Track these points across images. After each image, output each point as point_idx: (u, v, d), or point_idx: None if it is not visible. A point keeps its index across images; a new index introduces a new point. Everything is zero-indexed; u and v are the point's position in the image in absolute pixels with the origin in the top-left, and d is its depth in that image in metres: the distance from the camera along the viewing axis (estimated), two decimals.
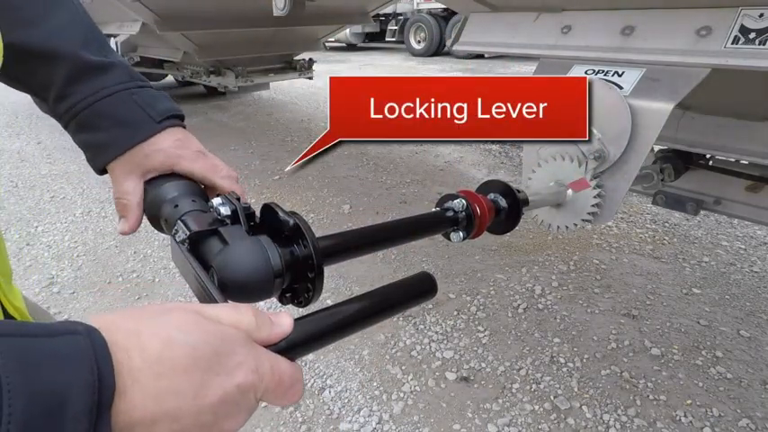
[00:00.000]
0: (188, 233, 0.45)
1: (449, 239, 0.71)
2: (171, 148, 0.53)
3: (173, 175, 0.55)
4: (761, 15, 0.81)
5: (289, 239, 0.44)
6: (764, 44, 0.80)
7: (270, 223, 0.46)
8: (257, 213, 0.48)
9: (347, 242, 0.53)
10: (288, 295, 0.46)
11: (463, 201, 0.68)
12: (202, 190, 0.56)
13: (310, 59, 5.26)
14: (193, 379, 0.24)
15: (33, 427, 0.19)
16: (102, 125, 0.51)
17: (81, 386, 0.20)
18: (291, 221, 0.43)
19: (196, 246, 0.45)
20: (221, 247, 0.43)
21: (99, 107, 0.51)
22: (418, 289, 0.48)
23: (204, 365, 0.25)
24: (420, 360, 1.85)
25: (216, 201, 0.48)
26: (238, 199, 0.48)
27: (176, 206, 0.50)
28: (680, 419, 1.56)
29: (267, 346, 0.31)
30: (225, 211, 0.46)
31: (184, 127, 0.57)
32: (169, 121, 0.55)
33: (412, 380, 1.75)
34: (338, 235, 0.52)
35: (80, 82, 0.51)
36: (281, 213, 0.44)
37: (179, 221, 0.47)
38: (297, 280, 0.44)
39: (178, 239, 0.45)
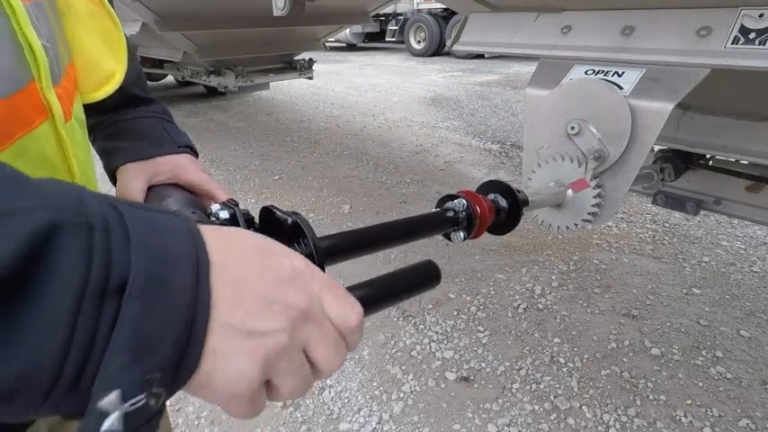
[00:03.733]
0: None
1: (449, 240, 0.70)
2: (181, 162, 0.63)
3: (175, 187, 0.60)
4: (761, 15, 0.81)
5: (290, 240, 0.43)
6: (764, 44, 0.80)
7: (270, 226, 0.46)
8: (256, 219, 0.48)
9: (348, 242, 0.52)
10: None
11: (464, 201, 0.68)
12: (202, 204, 0.59)
13: (310, 59, 5.27)
14: (260, 261, 0.30)
15: (155, 267, 0.24)
16: (130, 137, 0.63)
17: (186, 250, 0.26)
18: (290, 220, 0.43)
19: None
20: None
21: (133, 124, 0.64)
22: (422, 277, 0.47)
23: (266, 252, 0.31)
24: (420, 360, 1.85)
25: (215, 207, 0.48)
26: (237, 204, 0.49)
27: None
28: (680, 419, 1.56)
29: None
30: (224, 215, 0.47)
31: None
32: (186, 149, 0.66)
33: (412, 380, 1.76)
34: (339, 235, 0.52)
35: (126, 108, 0.65)
36: (279, 213, 0.44)
37: None
38: None
39: None
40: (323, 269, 0.43)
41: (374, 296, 0.41)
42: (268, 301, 0.28)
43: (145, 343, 0.23)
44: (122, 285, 0.23)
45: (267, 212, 0.46)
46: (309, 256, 0.42)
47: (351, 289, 0.41)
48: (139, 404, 0.23)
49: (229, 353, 0.26)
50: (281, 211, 0.44)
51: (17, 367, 0.20)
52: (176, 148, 0.64)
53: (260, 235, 0.33)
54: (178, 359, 0.25)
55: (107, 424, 0.21)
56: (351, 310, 0.33)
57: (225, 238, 0.30)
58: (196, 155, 0.68)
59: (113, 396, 0.22)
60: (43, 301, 0.21)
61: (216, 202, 0.57)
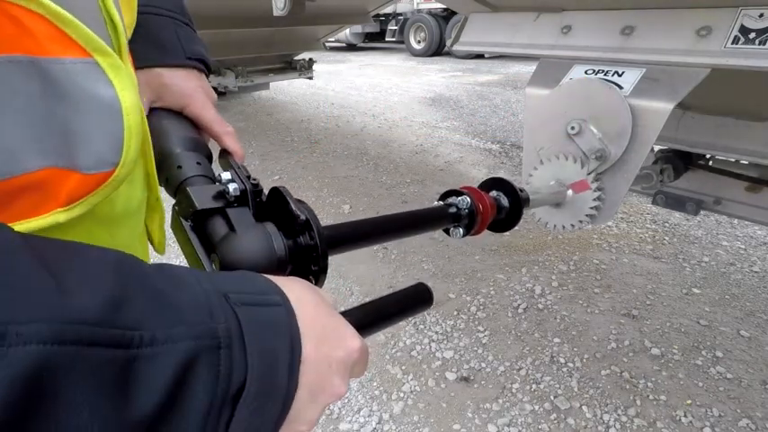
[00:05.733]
0: (193, 209, 0.42)
1: (448, 234, 0.70)
2: (189, 88, 0.54)
3: (180, 119, 0.53)
4: (761, 15, 0.81)
5: (294, 228, 0.42)
6: (764, 44, 0.80)
7: (276, 207, 0.44)
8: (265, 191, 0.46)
9: (350, 233, 0.52)
10: None
11: (467, 198, 0.68)
12: (206, 144, 0.54)
13: (310, 59, 5.26)
14: (328, 341, 0.34)
15: (264, 373, 0.27)
16: (136, 38, 0.50)
17: (286, 346, 0.29)
18: (303, 216, 0.42)
19: (199, 220, 0.43)
20: (227, 231, 0.41)
21: (141, 20, 0.50)
22: (414, 300, 0.48)
23: (330, 333, 0.35)
24: (420, 360, 1.85)
25: (225, 176, 0.45)
26: (248, 177, 0.46)
27: (180, 167, 0.47)
28: (680, 419, 1.56)
29: None
30: (234, 190, 0.43)
31: (208, 77, 0.59)
32: (197, 63, 0.56)
33: (412, 380, 1.75)
34: (342, 225, 0.51)
35: None
36: (292, 205, 0.42)
37: (185, 190, 0.44)
38: (298, 270, 0.43)
39: (182, 214, 0.43)
40: (326, 263, 0.42)
41: (368, 320, 0.43)
42: (326, 390, 0.33)
43: None
44: (239, 392, 0.26)
45: (276, 194, 0.44)
46: (313, 248, 0.42)
47: (345, 313, 0.42)
48: None
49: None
50: (293, 201, 0.43)
51: None
52: (185, 60, 0.54)
53: (329, 309, 0.36)
54: None
55: None
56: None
57: (310, 324, 0.33)
58: (208, 69, 0.59)
59: None
60: (185, 418, 0.24)
61: (221, 147, 0.54)
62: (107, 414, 0.21)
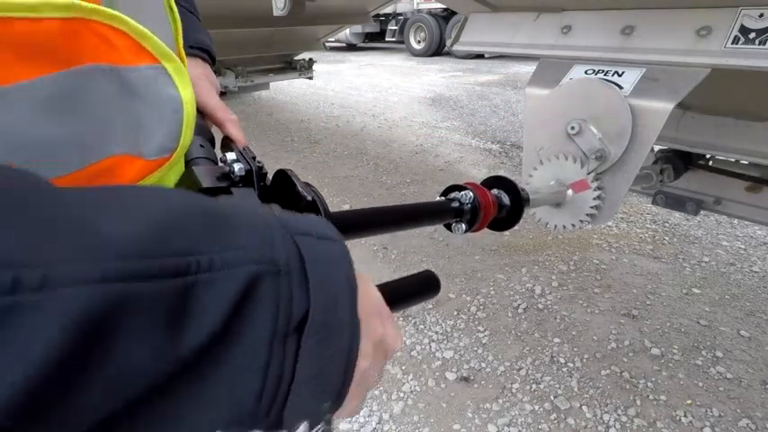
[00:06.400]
0: (198, 188, 0.42)
1: (449, 230, 0.70)
2: (194, 76, 0.53)
3: None
4: (761, 15, 0.81)
5: (300, 210, 0.42)
6: (764, 44, 0.80)
7: (282, 189, 0.43)
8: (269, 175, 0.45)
9: (355, 220, 0.51)
10: None
11: (470, 193, 0.68)
12: (209, 130, 0.54)
13: (310, 59, 5.26)
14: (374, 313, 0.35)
15: (327, 306, 0.27)
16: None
17: (345, 282, 0.29)
18: (309, 197, 0.41)
19: None
20: None
21: None
22: (422, 286, 0.47)
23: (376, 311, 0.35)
24: (420, 360, 1.85)
25: (230, 156, 0.45)
26: (254, 158, 0.45)
27: None
28: (680, 419, 1.56)
29: None
30: (239, 171, 0.43)
31: (211, 66, 0.59)
32: (199, 51, 0.57)
33: (412, 380, 1.75)
34: (346, 212, 0.51)
35: None
36: (298, 186, 0.42)
37: (190, 169, 0.44)
38: None
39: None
40: None
41: None
42: (376, 335, 0.33)
43: (320, 375, 0.26)
44: (301, 324, 0.25)
45: (282, 175, 0.44)
46: None
47: None
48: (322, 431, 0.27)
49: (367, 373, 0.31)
50: (300, 182, 0.42)
51: (221, 411, 0.23)
52: (188, 48, 0.53)
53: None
54: (341, 386, 0.28)
55: None
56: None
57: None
58: (213, 60, 0.58)
59: (302, 428, 0.26)
60: (243, 347, 0.23)
61: (224, 135, 0.54)
62: (164, 348, 0.20)
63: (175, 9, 0.41)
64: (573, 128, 1.00)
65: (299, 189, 0.42)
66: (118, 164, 0.34)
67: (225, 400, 0.23)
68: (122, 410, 0.20)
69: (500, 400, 1.66)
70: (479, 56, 10.60)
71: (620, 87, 0.96)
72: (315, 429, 0.26)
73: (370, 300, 0.34)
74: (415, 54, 11.64)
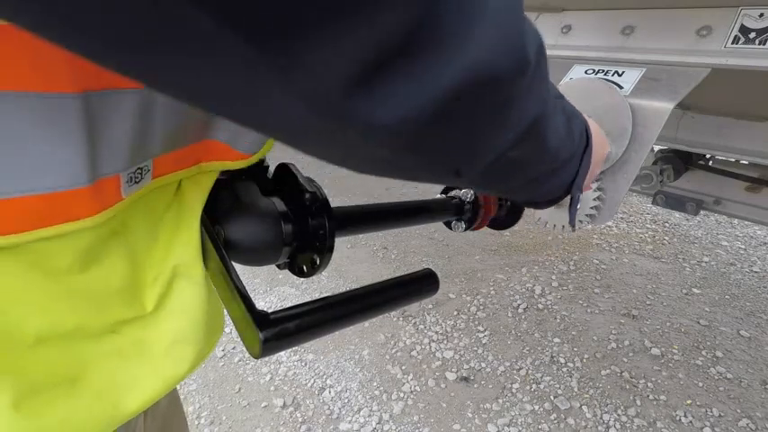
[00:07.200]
0: None
1: (449, 228, 0.70)
2: None
3: None
4: (761, 15, 0.81)
5: (302, 206, 0.41)
6: (764, 44, 0.80)
7: (283, 183, 0.43)
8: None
9: (357, 215, 0.51)
10: (286, 261, 0.44)
11: (471, 191, 0.68)
12: None
13: None
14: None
15: (587, 136, 0.47)
16: None
17: (585, 137, 0.47)
18: (310, 191, 0.41)
19: None
20: (233, 204, 0.40)
21: None
22: (421, 284, 0.47)
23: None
24: (420, 360, 1.85)
25: None
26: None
27: None
28: (680, 419, 1.56)
29: None
30: None
31: None
32: None
33: (412, 380, 1.75)
34: (348, 207, 0.51)
35: None
36: (300, 179, 0.41)
37: None
38: (302, 249, 0.42)
39: None
40: (333, 245, 0.41)
41: (374, 300, 0.42)
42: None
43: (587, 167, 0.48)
44: (585, 134, 0.46)
45: (285, 169, 0.43)
46: (320, 227, 0.41)
47: (351, 293, 0.41)
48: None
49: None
50: (302, 176, 0.42)
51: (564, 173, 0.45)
52: None
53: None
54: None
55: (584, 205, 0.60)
56: None
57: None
58: None
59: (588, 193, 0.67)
60: (574, 142, 0.44)
61: None
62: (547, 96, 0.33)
63: None
64: None
65: (302, 182, 0.41)
66: (212, 147, 0.39)
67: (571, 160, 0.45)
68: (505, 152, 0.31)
69: (500, 400, 1.66)
70: None
71: (621, 87, 0.96)
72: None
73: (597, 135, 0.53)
74: None
